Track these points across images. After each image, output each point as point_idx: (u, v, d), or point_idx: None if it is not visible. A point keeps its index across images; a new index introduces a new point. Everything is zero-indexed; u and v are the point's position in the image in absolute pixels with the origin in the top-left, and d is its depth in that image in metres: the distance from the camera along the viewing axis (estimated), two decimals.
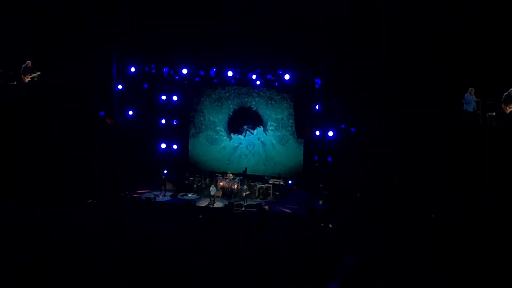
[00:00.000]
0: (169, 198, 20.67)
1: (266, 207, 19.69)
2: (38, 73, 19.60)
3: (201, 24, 20.21)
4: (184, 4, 20.32)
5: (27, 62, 19.50)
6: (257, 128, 22.64)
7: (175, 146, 23.08)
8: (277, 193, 20.92)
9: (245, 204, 19.81)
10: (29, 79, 19.49)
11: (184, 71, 21.70)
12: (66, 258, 13.85)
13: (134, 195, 20.80)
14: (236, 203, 19.87)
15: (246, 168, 22.08)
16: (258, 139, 22.69)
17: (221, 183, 21.16)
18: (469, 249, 14.59)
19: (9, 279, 12.74)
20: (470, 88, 17.18)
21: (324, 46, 19.98)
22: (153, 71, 21.97)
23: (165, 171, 21.89)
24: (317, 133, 21.01)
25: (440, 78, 18.08)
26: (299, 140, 22.16)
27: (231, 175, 21.48)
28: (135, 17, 20.57)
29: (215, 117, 23.03)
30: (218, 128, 23.07)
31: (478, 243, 14.92)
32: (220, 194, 20.87)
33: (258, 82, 21.61)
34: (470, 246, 14.77)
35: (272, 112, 22.48)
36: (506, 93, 16.74)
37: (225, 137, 23.02)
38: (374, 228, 16.29)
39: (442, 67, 18.18)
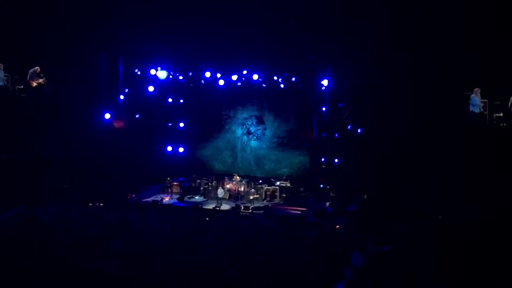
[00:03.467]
0: (175, 200, 20.70)
1: (273, 209, 19.68)
2: (45, 81, 19.67)
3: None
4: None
5: (36, 67, 19.51)
6: (262, 128, 22.79)
7: (181, 149, 23.19)
8: (284, 195, 20.94)
9: (252, 206, 19.82)
10: (36, 84, 19.53)
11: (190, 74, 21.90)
12: (68, 260, 13.85)
13: (141, 198, 20.86)
14: (243, 205, 19.90)
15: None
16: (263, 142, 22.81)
17: (228, 185, 21.20)
18: (471, 252, 14.49)
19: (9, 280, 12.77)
20: (476, 89, 16.83)
21: (330, 49, 20.01)
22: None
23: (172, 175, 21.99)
24: (323, 135, 21.11)
25: (446, 79, 18.05)
26: (305, 142, 22.19)
27: (237, 177, 21.53)
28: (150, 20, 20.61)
29: (223, 119, 23.17)
30: (226, 131, 23.19)
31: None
32: (227, 196, 20.90)
33: (264, 85, 21.67)
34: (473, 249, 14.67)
35: (277, 114, 22.55)
36: None
37: (232, 140, 23.12)
38: (381, 229, 16.25)
39: (446, 68, 18.13)
